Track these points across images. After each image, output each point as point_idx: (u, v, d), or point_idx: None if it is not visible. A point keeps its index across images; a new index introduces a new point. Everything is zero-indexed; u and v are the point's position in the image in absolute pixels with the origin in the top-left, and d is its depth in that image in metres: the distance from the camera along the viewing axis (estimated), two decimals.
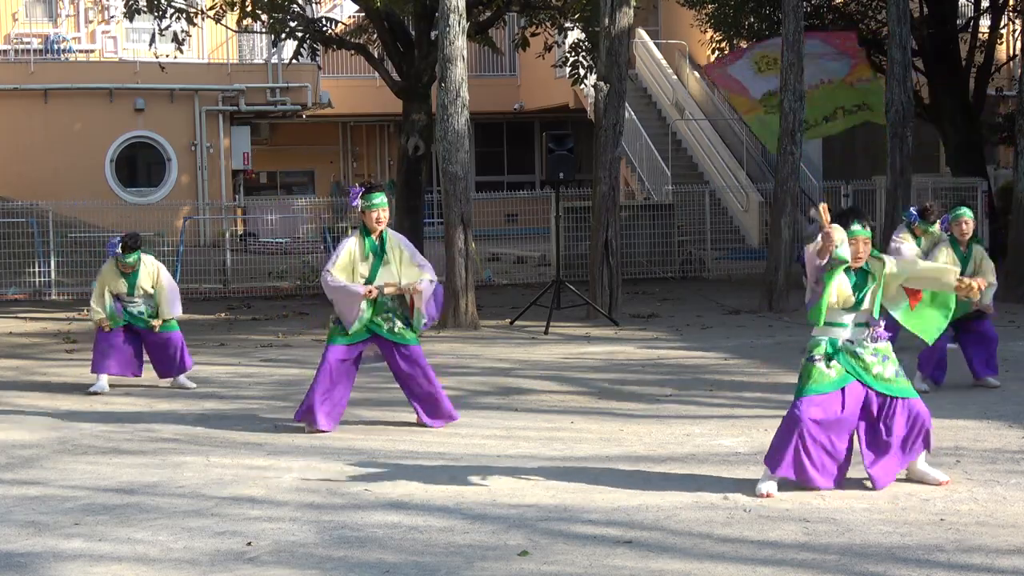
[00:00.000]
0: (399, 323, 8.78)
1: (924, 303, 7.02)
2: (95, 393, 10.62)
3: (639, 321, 15.41)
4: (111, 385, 10.91)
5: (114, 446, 8.39)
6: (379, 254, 8.74)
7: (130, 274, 10.88)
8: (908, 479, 7.04)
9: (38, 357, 13.24)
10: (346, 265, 8.71)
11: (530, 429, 8.78)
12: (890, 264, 6.92)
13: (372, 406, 9.74)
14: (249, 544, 5.98)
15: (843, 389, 6.82)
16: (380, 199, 8.71)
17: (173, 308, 10.98)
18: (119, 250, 10.81)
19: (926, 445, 6.96)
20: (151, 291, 10.93)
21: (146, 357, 11.08)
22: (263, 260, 21.92)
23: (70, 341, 14.41)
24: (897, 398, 6.86)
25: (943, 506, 6.46)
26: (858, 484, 6.93)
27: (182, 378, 10.97)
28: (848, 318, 6.88)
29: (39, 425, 9.19)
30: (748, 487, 6.88)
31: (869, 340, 6.87)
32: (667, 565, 5.58)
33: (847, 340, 6.88)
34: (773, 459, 6.81)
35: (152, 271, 10.96)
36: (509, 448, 8.12)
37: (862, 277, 6.86)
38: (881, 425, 6.87)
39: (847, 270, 6.84)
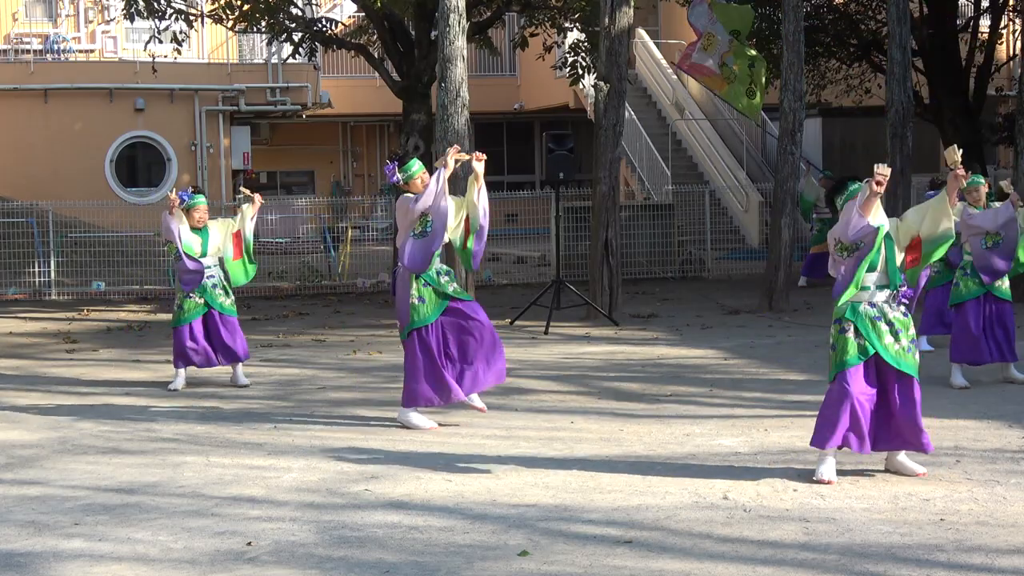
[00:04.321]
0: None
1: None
2: (173, 390, 10.69)
3: (639, 321, 15.41)
4: (111, 385, 10.91)
5: (114, 446, 8.39)
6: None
7: (201, 230, 10.78)
8: (887, 470, 7.17)
9: (38, 357, 13.24)
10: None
11: (530, 429, 8.78)
12: (894, 222, 6.99)
13: (372, 406, 9.73)
14: (249, 544, 5.98)
15: (869, 360, 6.94)
16: (417, 166, 8.89)
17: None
18: (190, 192, 10.88)
19: (919, 440, 6.97)
20: (220, 245, 10.83)
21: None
22: (263, 260, 21.87)
23: (70, 341, 14.41)
24: (903, 375, 6.95)
25: (943, 506, 6.46)
26: (858, 484, 6.94)
27: (240, 375, 10.96)
28: (869, 279, 6.94)
29: (39, 425, 9.19)
30: (748, 487, 6.88)
31: (892, 303, 6.94)
32: (667, 565, 5.58)
33: (869, 304, 6.95)
34: (823, 435, 6.92)
35: (225, 228, 10.89)
36: (509, 448, 8.12)
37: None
38: (883, 396, 6.98)
39: None
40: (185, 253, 10.64)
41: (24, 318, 17.02)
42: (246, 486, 7.15)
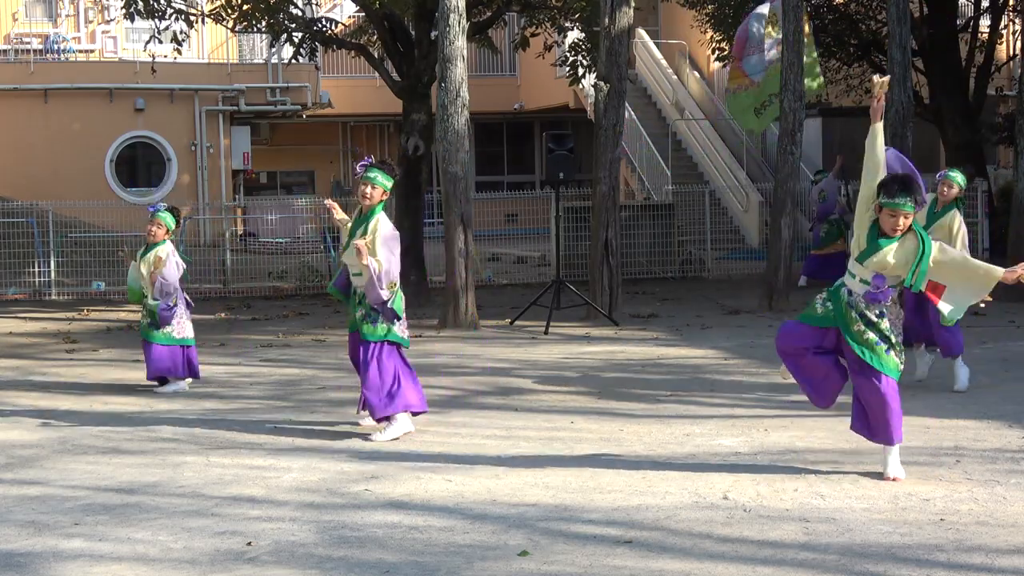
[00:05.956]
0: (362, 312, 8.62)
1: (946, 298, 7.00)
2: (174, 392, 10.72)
3: (639, 321, 15.41)
4: (111, 385, 10.91)
5: (114, 446, 8.39)
6: (356, 228, 8.52)
7: (146, 248, 10.74)
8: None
9: (38, 357, 13.24)
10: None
11: (530, 429, 8.78)
12: (936, 250, 6.87)
13: None
14: (249, 544, 5.98)
15: (826, 329, 7.07)
16: (373, 174, 8.46)
17: (154, 293, 10.62)
18: (159, 207, 10.88)
19: (883, 435, 6.99)
20: (144, 276, 10.66)
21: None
22: (263, 260, 21.93)
23: (70, 341, 14.41)
24: (867, 365, 6.92)
25: (943, 506, 6.46)
26: (858, 484, 6.94)
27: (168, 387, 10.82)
28: (856, 268, 6.99)
29: (39, 425, 9.19)
30: (748, 487, 6.88)
31: (863, 299, 6.95)
32: (667, 565, 5.58)
33: (848, 291, 7.01)
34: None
35: (157, 256, 10.62)
36: (509, 448, 8.12)
37: (887, 240, 6.85)
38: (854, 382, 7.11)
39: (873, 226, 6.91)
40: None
41: (24, 318, 17.02)
42: (246, 486, 7.15)
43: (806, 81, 18.15)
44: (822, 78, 19.39)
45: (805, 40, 17.56)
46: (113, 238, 20.40)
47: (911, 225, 6.85)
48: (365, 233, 8.42)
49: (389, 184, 8.57)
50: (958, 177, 10.12)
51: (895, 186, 6.81)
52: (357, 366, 8.71)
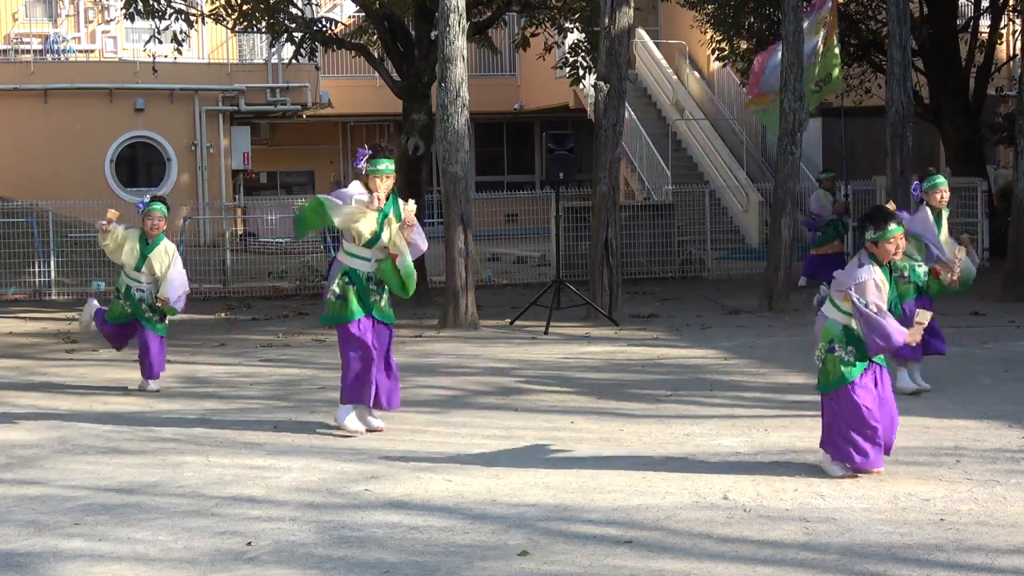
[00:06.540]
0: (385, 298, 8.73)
1: None
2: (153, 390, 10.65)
3: (639, 321, 15.41)
4: (111, 385, 10.91)
5: (114, 446, 8.39)
6: (383, 217, 8.51)
7: (149, 244, 10.60)
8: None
9: (38, 357, 13.24)
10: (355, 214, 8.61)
11: (530, 429, 8.78)
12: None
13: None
14: (249, 544, 5.98)
15: (868, 369, 7.09)
16: (385, 165, 8.47)
17: (172, 297, 10.57)
18: (147, 200, 10.79)
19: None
20: (158, 274, 10.58)
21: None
22: (263, 260, 21.92)
23: (70, 341, 14.41)
24: (883, 368, 7.18)
25: (943, 506, 6.46)
26: (858, 484, 6.94)
27: (149, 383, 10.76)
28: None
29: (39, 425, 9.19)
30: (748, 487, 6.88)
31: None
32: (667, 565, 5.58)
33: (843, 326, 7.15)
34: (840, 450, 7.04)
35: (168, 252, 10.62)
36: (509, 448, 8.12)
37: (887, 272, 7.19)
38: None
39: (882, 268, 7.12)
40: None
41: (24, 318, 17.02)
42: (246, 486, 7.15)
43: (834, 74, 18.26)
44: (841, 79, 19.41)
45: (825, 32, 17.68)
46: None
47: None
48: (397, 215, 8.56)
49: (394, 167, 8.62)
50: (946, 181, 10.27)
51: (879, 219, 7.09)
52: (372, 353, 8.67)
